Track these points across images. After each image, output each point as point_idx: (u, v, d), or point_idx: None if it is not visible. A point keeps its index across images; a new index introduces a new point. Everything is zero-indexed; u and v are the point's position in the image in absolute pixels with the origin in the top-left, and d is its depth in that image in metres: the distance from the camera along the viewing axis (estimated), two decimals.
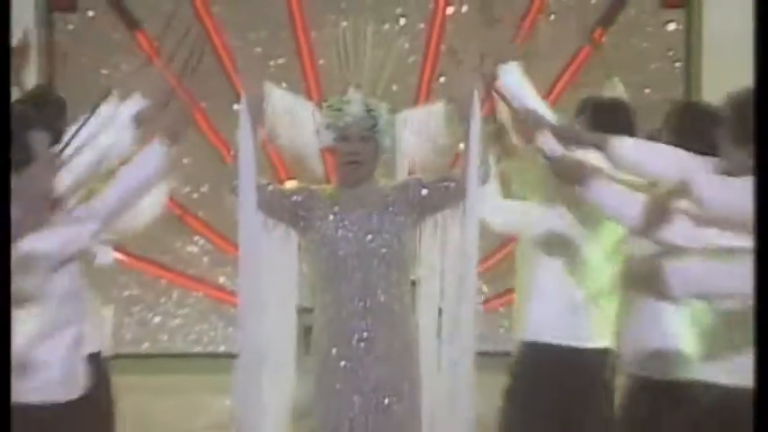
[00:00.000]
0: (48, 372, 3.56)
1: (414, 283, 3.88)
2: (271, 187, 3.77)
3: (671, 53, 8.50)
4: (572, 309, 4.31)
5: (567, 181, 3.67)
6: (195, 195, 8.28)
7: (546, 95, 8.43)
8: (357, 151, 3.62)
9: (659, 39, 8.52)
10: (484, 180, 3.68)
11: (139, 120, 3.64)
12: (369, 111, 3.62)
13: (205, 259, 8.44)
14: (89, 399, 3.68)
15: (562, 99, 8.06)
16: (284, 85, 8.02)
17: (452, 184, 3.67)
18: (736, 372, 3.60)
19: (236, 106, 3.88)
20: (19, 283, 3.31)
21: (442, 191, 3.67)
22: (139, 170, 3.55)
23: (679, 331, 3.89)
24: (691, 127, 4.03)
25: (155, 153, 3.56)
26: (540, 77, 8.35)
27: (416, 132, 3.80)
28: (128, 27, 8.51)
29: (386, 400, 3.62)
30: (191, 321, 8.59)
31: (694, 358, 3.77)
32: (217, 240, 8.07)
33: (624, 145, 3.64)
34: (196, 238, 8.45)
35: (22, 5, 8.32)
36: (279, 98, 3.78)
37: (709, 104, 4.51)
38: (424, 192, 3.65)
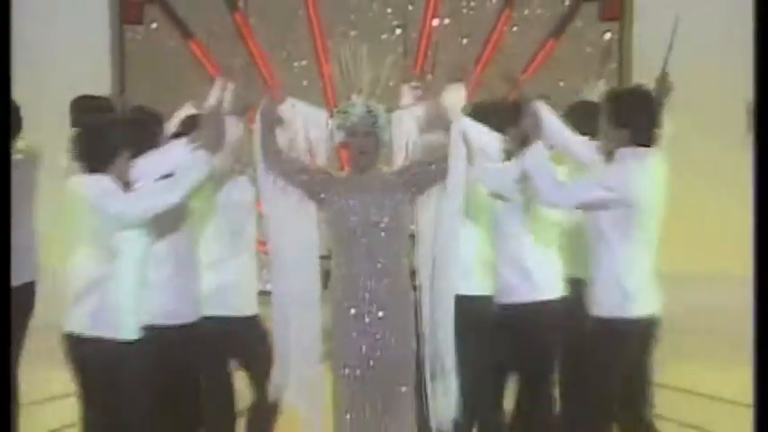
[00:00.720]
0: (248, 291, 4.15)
1: (412, 236, 3.91)
2: (284, 156, 3.80)
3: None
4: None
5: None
6: None
7: (510, 89, 8.72)
8: (362, 144, 3.77)
9: (598, 45, 8.77)
10: (471, 160, 3.74)
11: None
12: (369, 111, 3.77)
13: None
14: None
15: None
16: (305, 83, 8.25)
17: (434, 166, 3.75)
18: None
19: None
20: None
21: (428, 173, 3.75)
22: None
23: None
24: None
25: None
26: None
27: (406, 127, 3.91)
28: (182, 36, 8.94)
29: (387, 342, 3.73)
30: None
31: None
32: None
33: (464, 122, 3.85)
34: None
35: (97, 20, 8.70)
36: (301, 109, 3.93)
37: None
38: (415, 176, 3.77)
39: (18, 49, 7.66)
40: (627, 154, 3.77)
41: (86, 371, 3.62)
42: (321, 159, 3.91)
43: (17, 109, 4.68)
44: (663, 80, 4.62)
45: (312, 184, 3.81)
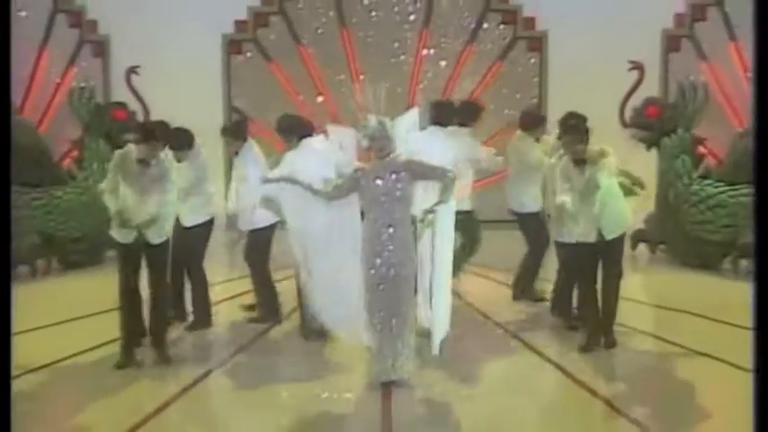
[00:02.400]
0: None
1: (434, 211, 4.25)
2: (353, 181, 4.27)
3: (532, 73, 10.26)
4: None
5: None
6: None
7: (471, 93, 9.85)
8: (380, 145, 4.43)
9: (527, 66, 10.24)
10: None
11: None
12: (380, 123, 4.45)
13: None
14: None
15: (480, 98, 9.30)
16: (344, 90, 9.66)
17: (430, 170, 4.38)
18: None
19: None
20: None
21: (423, 173, 4.43)
22: None
23: None
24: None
25: None
26: (468, 87, 10.16)
27: (404, 126, 4.60)
28: (265, 59, 10.23)
29: (397, 270, 4.37)
30: None
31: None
32: None
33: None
34: None
35: (212, 52, 10.29)
36: (338, 132, 4.71)
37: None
38: (415, 171, 4.42)
39: (158, 72, 9.44)
40: (430, 129, 4.88)
41: None
42: (355, 161, 4.47)
43: (244, 120, 5.43)
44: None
45: (355, 183, 4.32)
